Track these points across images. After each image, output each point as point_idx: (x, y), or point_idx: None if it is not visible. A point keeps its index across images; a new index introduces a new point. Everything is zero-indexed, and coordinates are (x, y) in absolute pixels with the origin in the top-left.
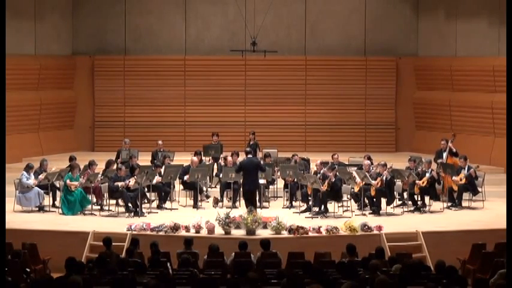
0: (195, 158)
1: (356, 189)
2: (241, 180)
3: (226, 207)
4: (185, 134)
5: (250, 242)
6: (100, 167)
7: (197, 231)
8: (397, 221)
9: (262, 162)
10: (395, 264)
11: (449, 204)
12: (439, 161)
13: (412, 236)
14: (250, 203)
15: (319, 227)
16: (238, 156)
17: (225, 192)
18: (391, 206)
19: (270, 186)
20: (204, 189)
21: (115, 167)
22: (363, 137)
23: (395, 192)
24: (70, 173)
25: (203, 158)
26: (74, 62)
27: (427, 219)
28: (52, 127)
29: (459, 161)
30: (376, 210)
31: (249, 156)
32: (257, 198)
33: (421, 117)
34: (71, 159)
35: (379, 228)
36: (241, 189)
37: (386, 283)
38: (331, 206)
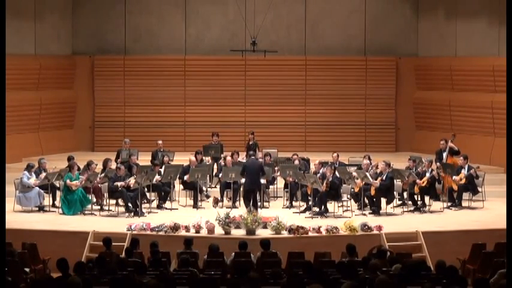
0: (193, 158)
1: (356, 189)
2: (241, 180)
3: (226, 207)
4: (185, 134)
5: (250, 242)
6: (99, 167)
7: (197, 231)
8: (397, 221)
9: (262, 162)
10: (395, 264)
11: (449, 204)
12: (441, 162)
13: (412, 236)
14: (250, 203)
15: (319, 227)
16: (238, 156)
17: (225, 192)
18: (391, 205)
19: (270, 186)
20: (204, 189)
21: (113, 166)
22: (363, 137)
23: (395, 192)
24: (70, 172)
25: (203, 158)
26: (73, 62)
27: (427, 219)
28: (52, 127)
29: (459, 160)
30: (376, 210)
31: (252, 157)
32: (258, 198)
33: (421, 117)
34: (69, 159)
35: (379, 228)
36: (241, 188)
37: (387, 283)
38: (331, 206)
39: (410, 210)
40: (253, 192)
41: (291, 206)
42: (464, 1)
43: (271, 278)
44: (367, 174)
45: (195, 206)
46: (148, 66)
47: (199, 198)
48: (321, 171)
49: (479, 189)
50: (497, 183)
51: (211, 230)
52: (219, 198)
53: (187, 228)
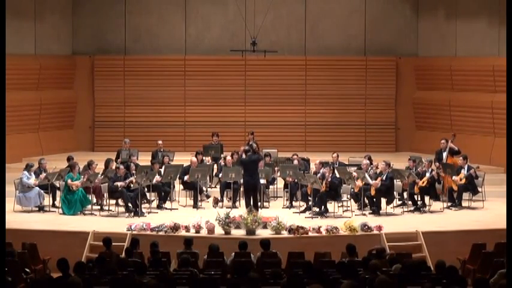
0: (194, 158)
1: (356, 190)
2: (241, 181)
3: (226, 207)
4: (185, 134)
5: (250, 242)
6: (100, 167)
7: (197, 231)
8: (397, 221)
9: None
10: (395, 264)
11: (449, 204)
12: (441, 162)
13: (412, 236)
14: (251, 201)
15: (319, 227)
16: (238, 156)
17: (225, 192)
18: (391, 206)
19: (270, 186)
20: (204, 189)
21: (114, 166)
22: (363, 137)
23: (395, 192)
24: (70, 172)
25: (203, 158)
26: (73, 62)
27: (427, 219)
28: (52, 127)
29: (459, 160)
30: (376, 210)
31: (249, 154)
32: (258, 198)
33: (421, 117)
34: (69, 159)
35: (379, 228)
36: (241, 188)
37: (387, 283)
38: (331, 206)
39: (410, 210)
40: (253, 191)
41: (291, 206)
42: (464, 1)
43: (271, 278)
44: (366, 174)
45: (195, 206)
46: (148, 66)
47: (199, 198)
48: (321, 171)
49: (479, 189)
50: (497, 183)
51: (211, 230)
52: (219, 198)
53: (187, 228)
